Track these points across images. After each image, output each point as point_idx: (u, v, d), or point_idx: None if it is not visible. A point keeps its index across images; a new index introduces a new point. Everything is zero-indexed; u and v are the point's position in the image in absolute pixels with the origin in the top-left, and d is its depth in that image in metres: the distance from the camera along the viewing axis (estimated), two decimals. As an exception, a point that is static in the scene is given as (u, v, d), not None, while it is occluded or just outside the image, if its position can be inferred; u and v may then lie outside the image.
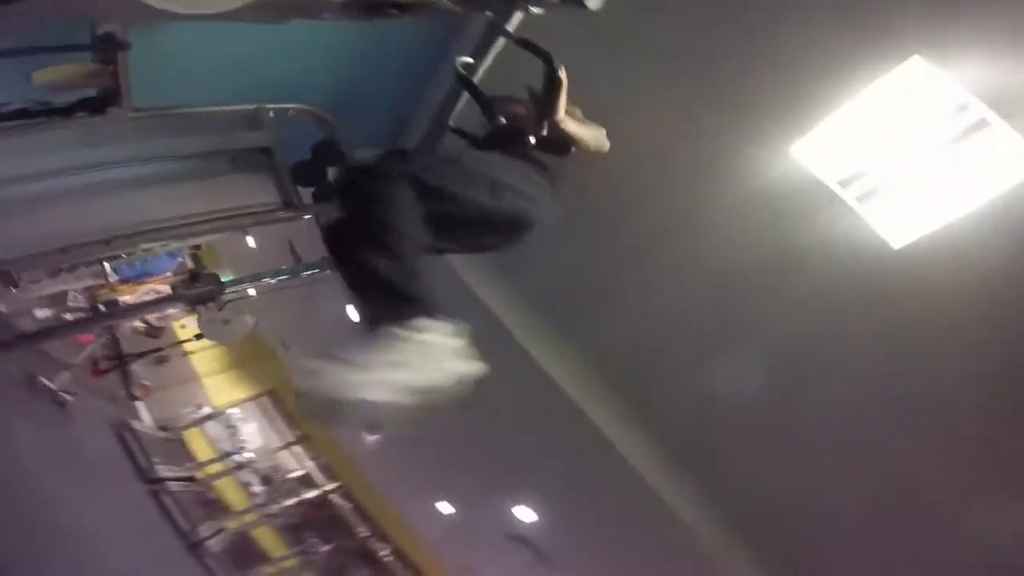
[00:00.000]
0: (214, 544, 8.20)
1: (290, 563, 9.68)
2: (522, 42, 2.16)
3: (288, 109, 3.04)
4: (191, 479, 8.71)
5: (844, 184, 2.63)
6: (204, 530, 8.11)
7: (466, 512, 8.09)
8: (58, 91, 2.50)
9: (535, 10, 2.14)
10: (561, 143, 2.20)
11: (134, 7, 1.56)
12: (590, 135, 2.30)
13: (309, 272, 3.68)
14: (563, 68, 2.07)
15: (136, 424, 7.67)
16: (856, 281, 2.79)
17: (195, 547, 7.71)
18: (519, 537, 6.83)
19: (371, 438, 8.68)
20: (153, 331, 6.80)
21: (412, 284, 1.41)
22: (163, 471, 7.70)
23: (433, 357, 1.25)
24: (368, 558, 10.46)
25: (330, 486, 10.40)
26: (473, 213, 1.81)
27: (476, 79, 2.37)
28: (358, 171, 1.77)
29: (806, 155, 2.67)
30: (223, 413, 9.83)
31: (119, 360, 6.91)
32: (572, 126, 2.18)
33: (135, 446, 7.31)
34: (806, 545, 3.72)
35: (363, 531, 10.50)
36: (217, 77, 3.01)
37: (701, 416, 3.84)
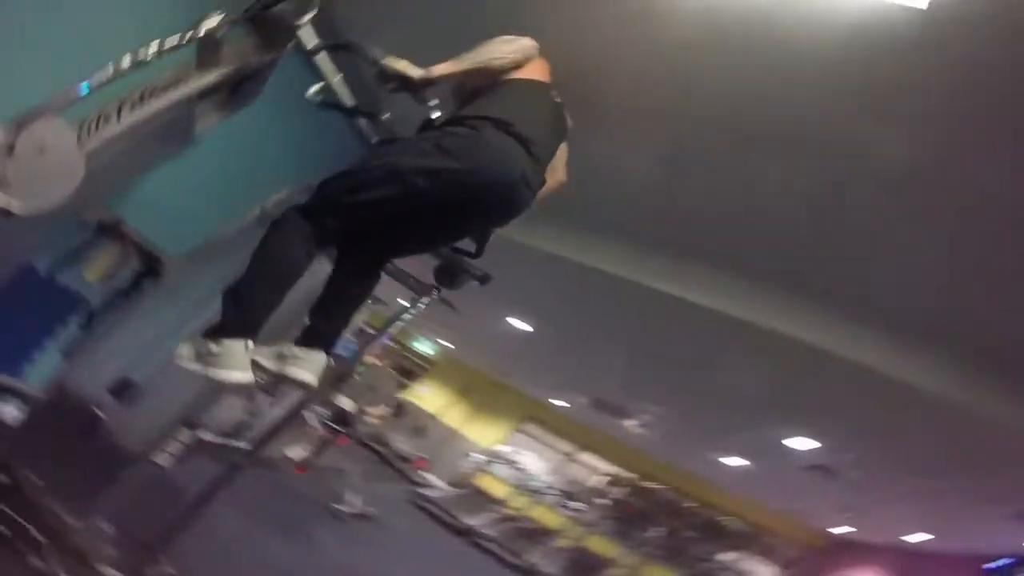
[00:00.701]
0: (547, 566, 8.81)
1: (630, 559, 9.94)
2: (328, 47, 2.17)
3: (283, 196, 3.35)
4: (504, 519, 9.53)
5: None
6: (533, 557, 8.79)
7: (755, 459, 7.67)
8: (111, 279, 3.10)
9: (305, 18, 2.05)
10: (471, 87, 2.10)
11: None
12: (490, 54, 2.14)
13: (414, 309, 3.73)
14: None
15: (429, 492, 8.66)
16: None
17: (528, 574, 8.37)
18: (814, 466, 6.30)
19: (630, 424, 8.70)
20: (397, 412, 7.68)
21: (239, 313, 1.68)
22: (472, 521, 8.56)
23: (222, 364, 1.61)
24: (703, 528, 10.31)
25: (633, 478, 10.57)
26: (402, 206, 1.77)
27: (340, 98, 2.38)
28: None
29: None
30: (495, 452, 10.66)
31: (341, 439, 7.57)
32: (445, 68, 2.07)
33: (437, 511, 8.24)
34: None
35: (687, 505, 10.42)
36: (217, 188, 3.36)
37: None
